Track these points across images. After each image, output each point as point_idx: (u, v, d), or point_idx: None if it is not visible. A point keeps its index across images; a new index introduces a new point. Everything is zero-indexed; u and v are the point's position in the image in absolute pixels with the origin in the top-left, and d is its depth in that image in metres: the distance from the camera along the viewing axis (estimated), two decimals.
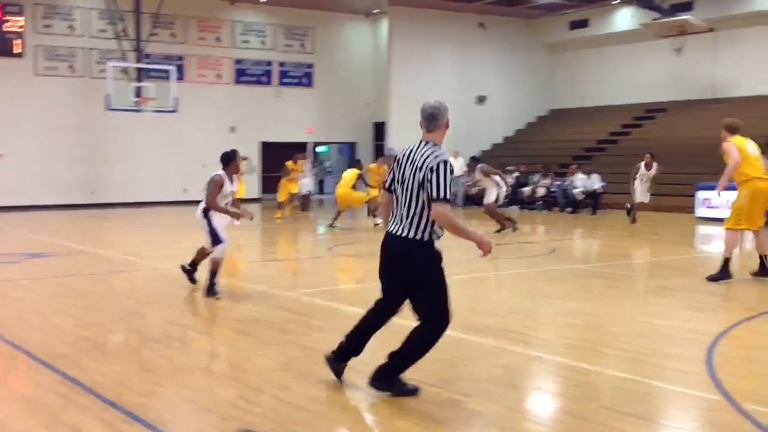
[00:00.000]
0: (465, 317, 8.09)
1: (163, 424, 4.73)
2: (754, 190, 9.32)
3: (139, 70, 23.33)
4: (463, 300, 9.37)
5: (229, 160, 8.81)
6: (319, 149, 31.13)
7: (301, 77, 28.66)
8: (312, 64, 28.78)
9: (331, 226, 17.53)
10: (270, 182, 24.85)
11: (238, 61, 27.49)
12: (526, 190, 24.32)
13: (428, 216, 4.90)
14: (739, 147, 9.38)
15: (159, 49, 25.26)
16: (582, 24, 29.10)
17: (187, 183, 25.75)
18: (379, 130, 29.48)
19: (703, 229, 17.77)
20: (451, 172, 4.88)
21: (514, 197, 23.99)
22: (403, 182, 5.02)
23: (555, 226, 19.02)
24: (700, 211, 19.41)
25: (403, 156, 5.09)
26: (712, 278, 9.69)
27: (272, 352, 6.38)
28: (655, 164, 17.89)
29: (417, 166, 4.91)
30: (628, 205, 18.26)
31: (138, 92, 22.68)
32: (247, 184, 27.03)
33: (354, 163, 20.58)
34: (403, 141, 27.38)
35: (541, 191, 24.02)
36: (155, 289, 9.66)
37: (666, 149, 23.41)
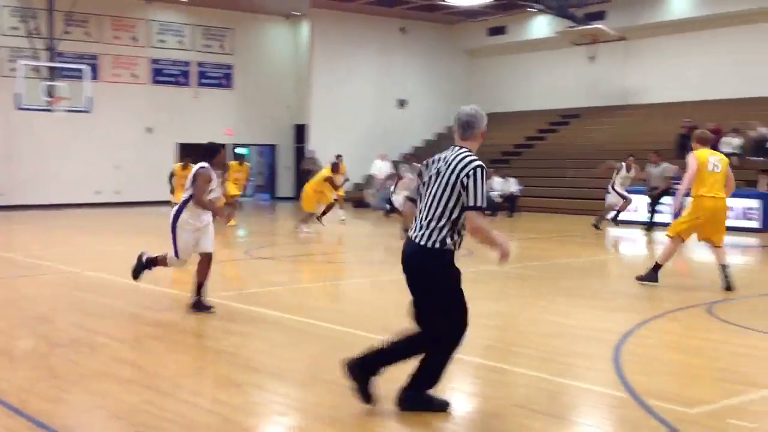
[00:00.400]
0: (383, 319, 8.12)
1: (70, 430, 4.60)
2: (699, 207, 9.32)
3: (52, 68, 22.63)
4: (381, 302, 9.42)
5: (215, 152, 7.92)
6: (238, 151, 30.77)
7: (220, 78, 28.29)
8: (231, 65, 28.44)
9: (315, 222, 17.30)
10: None
11: (155, 61, 26.95)
12: None
13: (449, 223, 4.62)
14: (700, 160, 9.30)
15: (72, 48, 24.54)
16: (500, 30, 29.62)
17: (100, 185, 25.11)
18: (300, 132, 29.36)
19: (613, 232, 18.26)
20: (488, 178, 4.62)
21: None
22: (428, 185, 4.73)
23: None
24: (611, 214, 19.93)
25: (432, 161, 4.81)
26: (641, 278, 9.83)
27: (186, 357, 6.27)
28: (634, 166, 17.87)
29: (450, 166, 4.61)
30: (597, 222, 17.80)
31: (50, 92, 22.00)
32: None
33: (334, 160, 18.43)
34: (324, 143, 27.41)
35: None
36: (64, 292, 9.38)
37: (579, 154, 24.07)
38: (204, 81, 27.92)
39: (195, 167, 7.86)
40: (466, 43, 31.14)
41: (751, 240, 16.24)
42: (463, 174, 4.55)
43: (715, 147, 20.84)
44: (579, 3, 25.22)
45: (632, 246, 16.55)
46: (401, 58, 29.91)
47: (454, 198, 4.59)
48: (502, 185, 23.14)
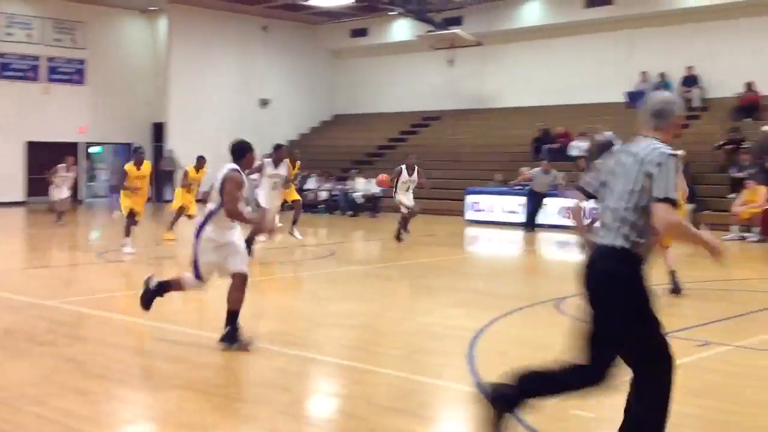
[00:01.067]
0: (242, 322, 8.01)
1: None
2: None
3: None
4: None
5: (245, 151, 6.63)
6: (92, 150, 29.55)
7: (72, 74, 27.03)
8: (84, 60, 27.25)
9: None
10: (36, 185, 23.19)
11: (2, 55, 25.43)
12: (309, 193, 24.60)
13: (634, 221, 3.93)
14: None
15: None
16: (362, 32, 29.88)
17: None
18: (158, 131, 28.53)
19: (471, 231, 18.81)
20: (678, 170, 3.94)
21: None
22: (611, 181, 4.07)
23: (336, 229, 19.37)
24: (469, 214, 20.53)
25: (615, 154, 4.16)
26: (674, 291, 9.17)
27: (29, 365, 5.96)
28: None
29: (638, 159, 3.93)
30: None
31: None
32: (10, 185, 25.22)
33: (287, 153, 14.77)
34: (183, 142, 26.77)
35: (323, 195, 24.37)
36: None
37: (439, 155, 24.65)
38: (55, 76, 26.60)
39: (224, 169, 6.52)
40: (330, 44, 31.24)
41: None
42: (651, 163, 3.89)
43: (563, 151, 22.02)
44: (438, 8, 25.82)
45: (488, 245, 17.11)
46: (264, 57, 29.64)
47: (638, 192, 3.92)
48: (364, 186, 23.37)
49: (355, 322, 8.01)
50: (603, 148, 21.50)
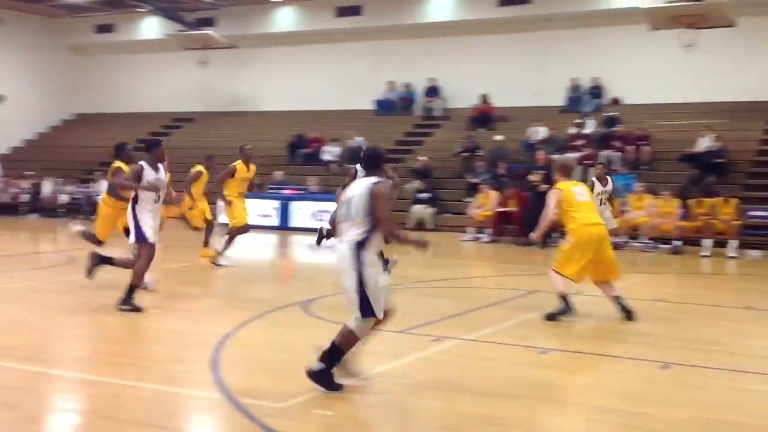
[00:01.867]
0: None
1: None
2: (582, 237, 8.31)
3: None
4: None
5: (382, 160, 5.69)
6: None
7: None
8: None
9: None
10: None
11: None
12: (47, 196, 23.17)
13: None
14: (565, 196, 8.39)
15: None
16: (108, 29, 28.61)
17: None
18: None
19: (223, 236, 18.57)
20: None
21: (34, 204, 22.93)
22: None
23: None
24: (223, 218, 20.18)
25: None
26: (550, 317, 8.33)
27: None
28: (608, 177, 13.32)
29: None
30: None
31: None
32: None
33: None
34: None
35: (64, 198, 22.97)
36: None
37: (192, 158, 24.11)
38: None
39: (366, 183, 5.46)
40: (72, 39, 29.50)
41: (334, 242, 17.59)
42: None
43: (316, 155, 22.45)
44: (189, 7, 25.31)
45: (239, 249, 16.99)
46: None
47: None
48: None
49: (93, 333, 7.62)
50: (354, 153, 22.26)
